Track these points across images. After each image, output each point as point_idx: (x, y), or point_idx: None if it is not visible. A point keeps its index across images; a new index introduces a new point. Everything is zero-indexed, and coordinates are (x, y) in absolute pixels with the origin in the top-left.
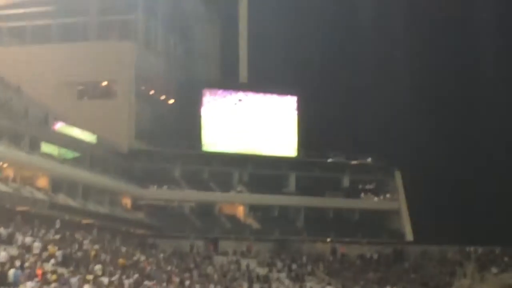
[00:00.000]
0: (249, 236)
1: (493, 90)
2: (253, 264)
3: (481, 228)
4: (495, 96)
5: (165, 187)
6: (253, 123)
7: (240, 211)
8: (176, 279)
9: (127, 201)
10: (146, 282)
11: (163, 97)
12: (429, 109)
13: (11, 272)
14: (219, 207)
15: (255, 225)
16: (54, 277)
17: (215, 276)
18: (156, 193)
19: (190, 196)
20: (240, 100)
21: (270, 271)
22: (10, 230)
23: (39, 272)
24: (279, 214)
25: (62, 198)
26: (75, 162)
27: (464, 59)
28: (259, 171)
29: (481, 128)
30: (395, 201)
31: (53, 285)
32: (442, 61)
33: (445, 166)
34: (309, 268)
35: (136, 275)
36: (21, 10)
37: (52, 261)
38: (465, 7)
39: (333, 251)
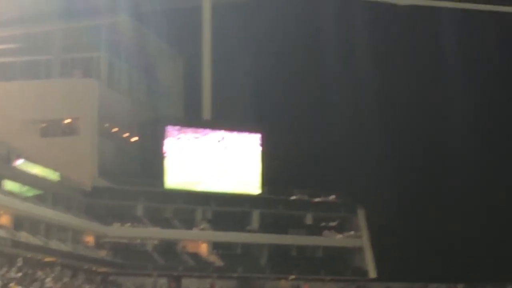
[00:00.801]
0: (212, 274)
1: (455, 129)
2: None
3: (444, 265)
4: (457, 134)
5: (128, 224)
6: (216, 161)
7: (203, 248)
8: None
9: (89, 239)
10: None
11: (126, 135)
12: (392, 147)
13: None
14: (182, 244)
15: (218, 262)
16: None
17: None
18: (119, 231)
19: (153, 233)
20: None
21: None
22: None
23: None
24: (242, 251)
25: (24, 236)
26: (37, 199)
27: (431, 100)
28: (222, 208)
29: (445, 165)
30: (358, 238)
31: None
32: (406, 98)
33: (408, 204)
34: None
35: None
36: None
37: None
38: (431, 49)
39: None
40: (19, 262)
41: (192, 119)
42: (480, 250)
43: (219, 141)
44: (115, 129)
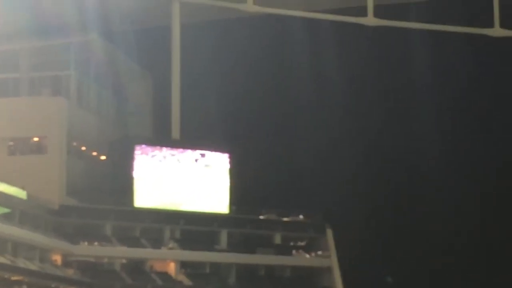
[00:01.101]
0: None
1: (425, 149)
2: None
3: (413, 285)
4: (428, 154)
5: (96, 243)
6: (185, 180)
7: (172, 267)
8: None
9: (57, 258)
10: None
11: (95, 153)
12: (361, 167)
13: None
14: (151, 263)
15: (187, 281)
16: None
17: None
18: (86, 250)
19: (121, 252)
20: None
21: None
22: None
23: None
24: (211, 270)
25: None
26: (4, 218)
27: (401, 120)
28: (190, 227)
29: (414, 185)
30: (326, 258)
31: None
32: (376, 118)
33: (377, 224)
34: None
35: None
36: None
37: None
38: (401, 69)
39: None
40: None
41: (161, 138)
42: (450, 269)
43: (187, 161)
44: (84, 148)
